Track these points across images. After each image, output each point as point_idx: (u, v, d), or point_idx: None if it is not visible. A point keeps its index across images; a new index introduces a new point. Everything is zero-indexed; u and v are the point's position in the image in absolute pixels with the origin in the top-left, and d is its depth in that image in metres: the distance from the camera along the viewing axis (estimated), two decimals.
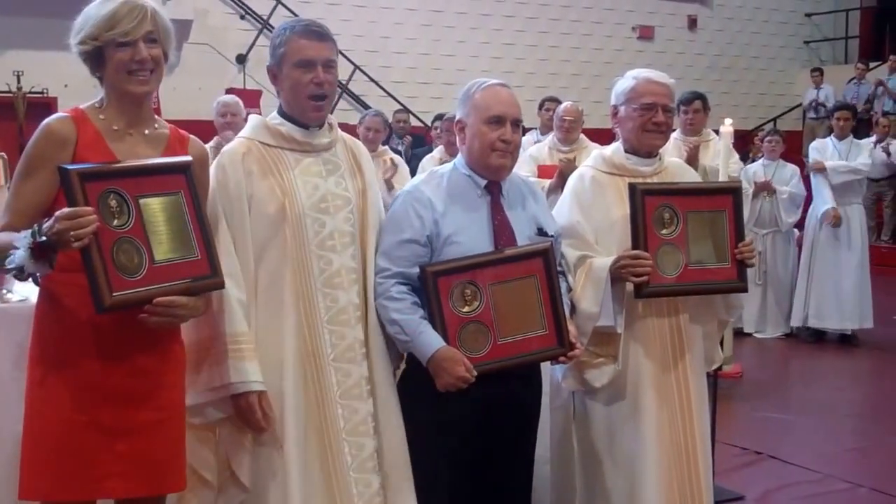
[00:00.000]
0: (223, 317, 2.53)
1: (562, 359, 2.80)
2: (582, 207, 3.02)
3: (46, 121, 2.34)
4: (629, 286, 2.91)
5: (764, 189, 7.56)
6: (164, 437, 2.39)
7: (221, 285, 2.42)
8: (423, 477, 2.74)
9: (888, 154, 10.39)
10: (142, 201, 2.26)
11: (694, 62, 14.92)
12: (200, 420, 2.58)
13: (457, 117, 2.87)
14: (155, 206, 2.28)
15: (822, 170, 7.45)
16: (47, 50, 10.05)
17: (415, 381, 2.75)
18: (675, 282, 2.93)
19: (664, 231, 2.92)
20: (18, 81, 9.96)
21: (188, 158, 2.41)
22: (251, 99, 9.64)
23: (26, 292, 2.95)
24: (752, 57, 15.58)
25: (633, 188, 2.90)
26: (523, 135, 7.79)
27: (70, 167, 2.18)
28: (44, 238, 2.08)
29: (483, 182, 2.81)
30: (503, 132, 2.76)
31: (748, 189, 7.52)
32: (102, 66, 2.34)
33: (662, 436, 2.97)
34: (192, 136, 2.54)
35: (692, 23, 15.17)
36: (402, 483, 2.72)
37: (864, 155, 7.63)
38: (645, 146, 3.05)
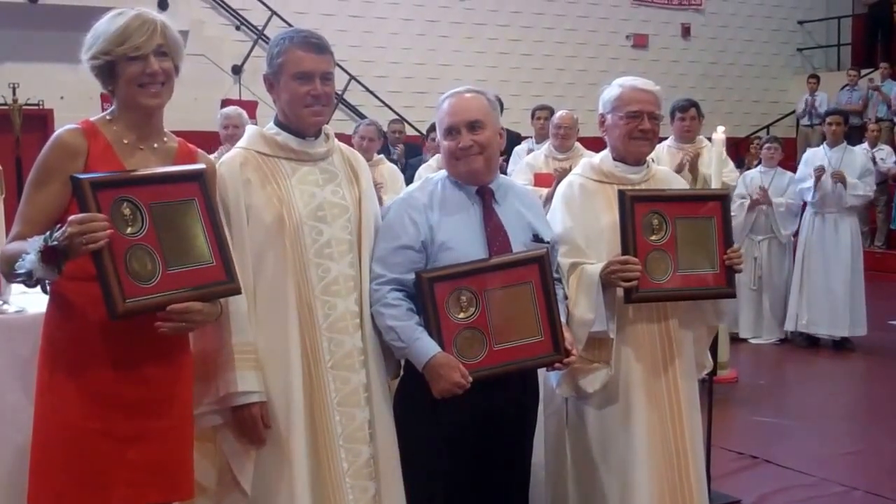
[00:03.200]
0: (228, 326, 2.55)
1: (557, 365, 2.81)
2: (572, 215, 3.05)
3: (58, 132, 2.37)
4: (619, 291, 2.93)
5: (761, 203, 7.59)
6: (173, 445, 2.41)
7: (237, 291, 2.43)
8: (420, 485, 2.75)
9: (874, 163, 10.42)
10: (155, 209, 2.27)
11: (688, 70, 14.98)
12: (196, 427, 2.58)
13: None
14: (169, 214, 2.29)
15: (842, 180, 7.42)
16: (43, 62, 10.11)
17: (412, 390, 2.77)
18: (665, 287, 2.95)
19: (653, 237, 2.95)
20: (14, 94, 9.98)
21: (202, 166, 2.44)
22: (247, 110, 9.66)
23: (23, 304, 2.96)
24: (746, 64, 15.64)
25: (622, 195, 2.92)
26: (518, 143, 7.87)
27: (81, 176, 2.20)
28: (55, 242, 2.10)
29: (473, 189, 2.84)
30: (459, 139, 2.80)
31: (746, 198, 7.54)
32: (114, 80, 2.37)
33: (653, 440, 2.99)
34: (200, 150, 2.57)
35: (686, 31, 15.24)
36: (394, 490, 2.73)
37: (869, 177, 7.62)
38: (632, 154, 3.08)
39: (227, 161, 2.70)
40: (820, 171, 7.38)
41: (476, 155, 2.80)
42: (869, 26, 15.75)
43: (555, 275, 2.88)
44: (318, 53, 2.68)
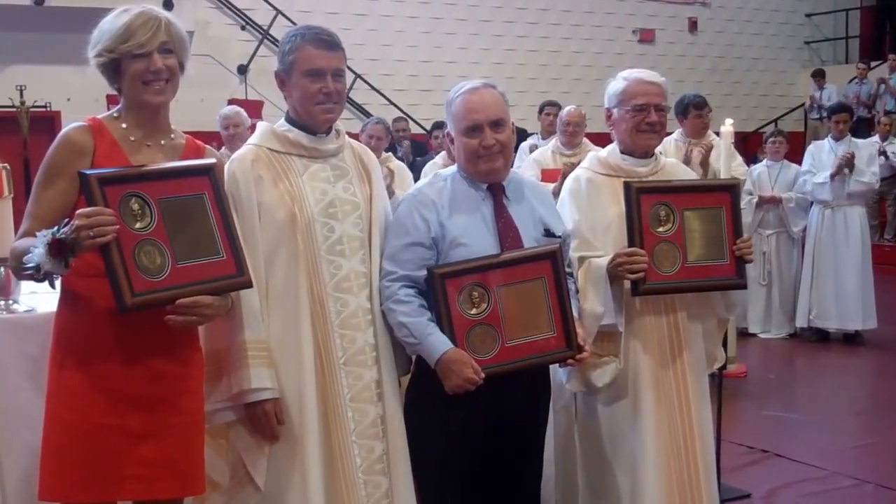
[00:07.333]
0: (241, 323, 2.55)
1: (570, 361, 2.80)
2: (579, 208, 3.03)
3: (65, 130, 2.38)
4: (627, 284, 2.92)
5: (770, 203, 7.57)
6: (184, 440, 2.42)
7: (248, 284, 2.43)
8: (431, 481, 2.76)
9: (885, 157, 10.38)
10: (164, 204, 2.28)
11: (695, 64, 14.97)
12: (209, 424, 2.59)
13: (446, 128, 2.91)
14: (178, 208, 2.30)
15: (849, 163, 7.31)
16: (50, 64, 10.14)
17: (423, 386, 2.77)
18: (673, 279, 2.92)
19: (661, 229, 2.92)
20: (21, 96, 10.01)
21: (212, 160, 2.45)
22: (253, 109, 9.68)
23: (33, 303, 2.98)
24: (753, 58, 15.62)
25: (628, 186, 2.90)
26: (524, 139, 7.87)
27: (89, 172, 2.22)
28: (63, 235, 2.11)
29: (484, 185, 2.83)
30: (482, 138, 2.77)
31: (753, 195, 7.51)
32: (120, 77, 2.38)
33: (661, 432, 2.98)
34: (208, 146, 2.58)
35: (693, 25, 15.22)
36: (405, 486, 2.74)
37: (875, 166, 7.58)
38: (639, 146, 3.06)
39: (238, 158, 2.70)
40: (847, 160, 7.27)
41: (498, 154, 2.79)
42: (877, 18, 15.70)
43: (567, 269, 2.87)
44: (329, 50, 2.68)
